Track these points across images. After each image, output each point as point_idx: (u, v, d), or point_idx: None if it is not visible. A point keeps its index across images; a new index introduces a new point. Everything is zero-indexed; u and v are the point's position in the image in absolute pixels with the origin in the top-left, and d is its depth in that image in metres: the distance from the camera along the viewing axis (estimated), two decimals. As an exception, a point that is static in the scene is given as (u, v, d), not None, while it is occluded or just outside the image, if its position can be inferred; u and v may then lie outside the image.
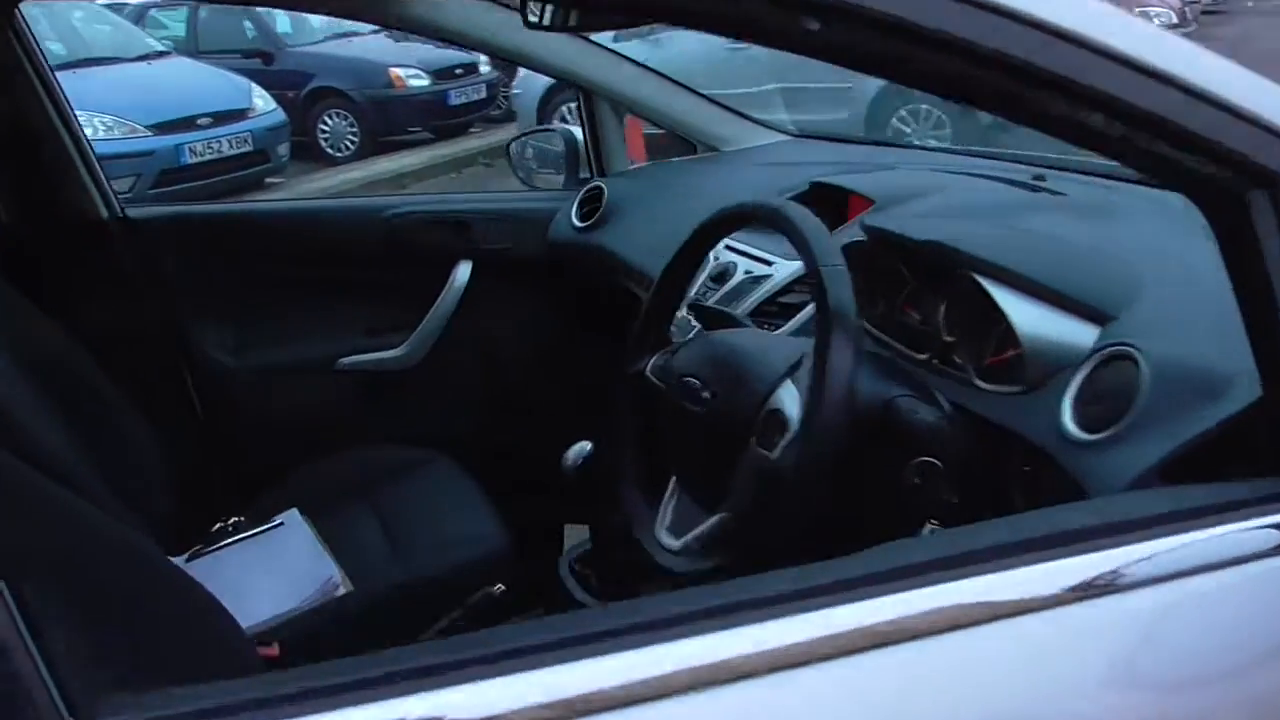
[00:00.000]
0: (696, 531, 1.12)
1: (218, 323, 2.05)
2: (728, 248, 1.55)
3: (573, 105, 7.96)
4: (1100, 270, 1.14)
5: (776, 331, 1.38)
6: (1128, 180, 1.59)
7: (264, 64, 8.30)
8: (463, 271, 2.09)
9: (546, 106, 7.84)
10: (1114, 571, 0.74)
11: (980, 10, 0.69)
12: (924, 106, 6.63)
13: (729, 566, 1.06)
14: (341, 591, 1.61)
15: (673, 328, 1.30)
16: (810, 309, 1.39)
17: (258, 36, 8.50)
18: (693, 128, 2.12)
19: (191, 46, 8.25)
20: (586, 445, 1.46)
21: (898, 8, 0.68)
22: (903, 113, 6.74)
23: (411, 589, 1.56)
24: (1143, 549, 0.76)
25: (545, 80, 7.68)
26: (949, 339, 1.23)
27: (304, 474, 1.88)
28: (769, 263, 1.46)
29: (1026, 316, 1.08)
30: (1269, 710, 0.81)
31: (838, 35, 0.70)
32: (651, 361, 1.25)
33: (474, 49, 2.86)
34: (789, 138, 2.18)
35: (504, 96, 9.00)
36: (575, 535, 2.34)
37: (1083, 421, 1.00)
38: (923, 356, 1.24)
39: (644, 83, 2.06)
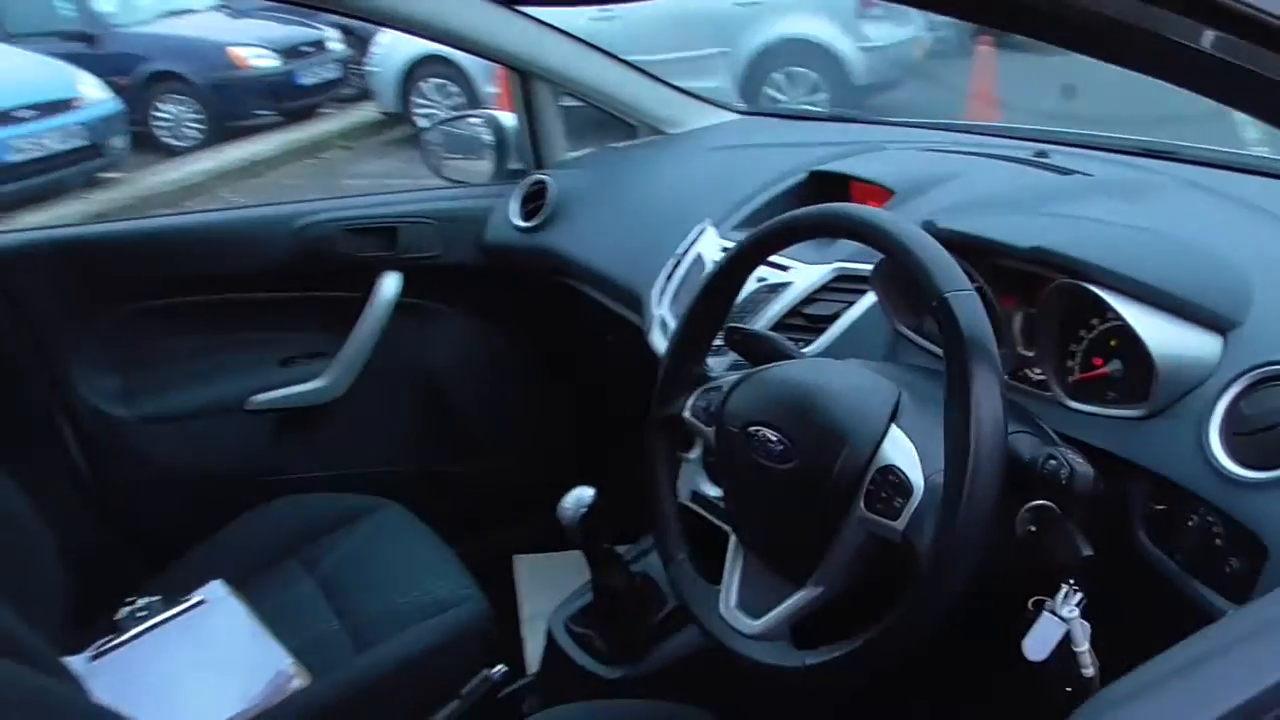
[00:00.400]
0: (780, 610, 0.92)
1: (97, 367, 1.73)
2: (724, 250, 1.34)
3: (438, 81, 7.61)
4: (1207, 266, 0.99)
5: (806, 349, 1.19)
6: (1126, 153, 1.47)
7: (87, 47, 7.55)
8: (388, 285, 1.83)
9: (408, 83, 7.43)
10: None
11: None
12: (800, 70, 6.55)
13: (826, 665, 0.88)
14: (296, 684, 1.35)
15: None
16: (852, 314, 1.21)
17: (77, 17, 7.72)
18: (635, 108, 1.90)
19: (-3, 30, 7.43)
20: (586, 493, 1.24)
21: None
22: (777, 77, 6.64)
23: (386, 678, 1.31)
24: None
25: (405, 55, 7.29)
26: (1026, 353, 1.06)
27: (222, 536, 1.60)
28: (785, 268, 1.27)
29: (1150, 327, 0.93)
30: None
31: None
32: (691, 402, 1.04)
33: (386, 26, 2.55)
34: (738, 116, 1.99)
35: (357, 75, 8.49)
36: (526, 565, 2.12)
37: (1236, 455, 0.86)
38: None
39: (580, 58, 1.83)
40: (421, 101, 7.45)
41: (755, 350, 1.08)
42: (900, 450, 0.86)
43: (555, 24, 1.80)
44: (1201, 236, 1.07)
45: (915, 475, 0.84)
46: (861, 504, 0.86)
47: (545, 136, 1.89)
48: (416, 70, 7.31)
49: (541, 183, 1.82)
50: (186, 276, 1.77)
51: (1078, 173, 1.34)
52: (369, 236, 1.82)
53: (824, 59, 6.49)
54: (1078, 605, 0.88)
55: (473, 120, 1.98)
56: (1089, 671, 0.89)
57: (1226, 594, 0.84)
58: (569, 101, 1.91)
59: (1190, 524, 0.88)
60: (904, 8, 6.45)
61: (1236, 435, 0.87)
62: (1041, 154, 1.42)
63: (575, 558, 1.31)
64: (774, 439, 0.92)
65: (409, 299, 1.85)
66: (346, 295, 1.83)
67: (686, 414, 1.04)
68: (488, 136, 1.92)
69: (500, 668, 1.35)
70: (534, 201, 1.81)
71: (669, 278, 1.43)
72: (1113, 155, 1.45)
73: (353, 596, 1.47)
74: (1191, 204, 1.22)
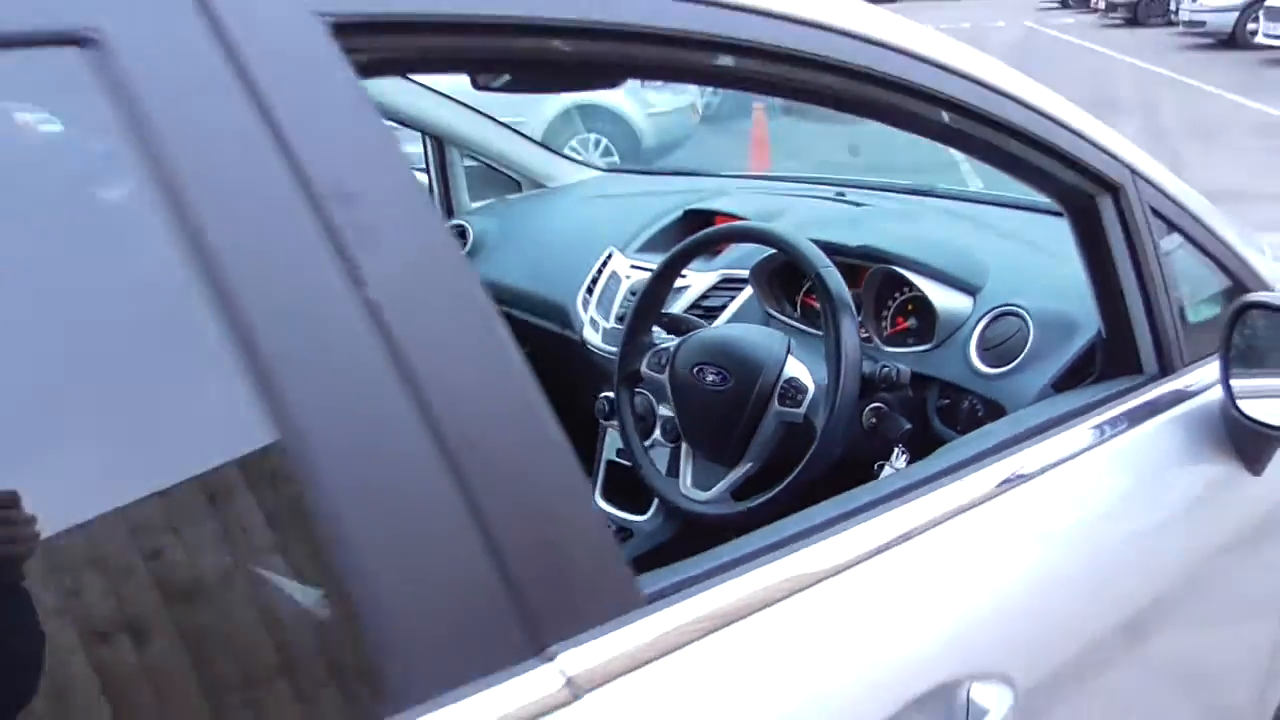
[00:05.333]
0: (724, 483, 1.43)
1: None
2: (634, 267, 1.86)
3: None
4: (960, 256, 1.59)
5: (714, 324, 1.71)
6: (897, 191, 2.11)
7: None
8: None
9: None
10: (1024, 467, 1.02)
11: (869, 44, 0.92)
12: (592, 136, 7.20)
13: (758, 508, 1.38)
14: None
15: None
16: (736, 304, 1.75)
17: None
18: (524, 166, 2.39)
19: None
20: None
21: (800, 43, 0.87)
22: (573, 143, 7.28)
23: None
24: (1044, 447, 1.05)
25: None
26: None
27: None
28: (683, 275, 1.79)
29: (935, 293, 1.51)
30: (1117, 536, 1.10)
31: (745, 67, 0.86)
32: (645, 360, 1.54)
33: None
34: (602, 173, 2.52)
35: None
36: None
37: (987, 360, 1.44)
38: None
39: (484, 128, 2.30)
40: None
41: (678, 327, 1.60)
42: (797, 368, 1.39)
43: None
44: (954, 239, 1.68)
45: (808, 381, 1.38)
46: (776, 403, 1.39)
47: (455, 190, 2.34)
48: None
49: (461, 226, 2.26)
50: None
51: (867, 205, 1.95)
52: None
53: (614, 123, 7.18)
54: (904, 461, 1.44)
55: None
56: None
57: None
58: (468, 161, 2.38)
59: (963, 406, 1.46)
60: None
61: (984, 350, 1.45)
62: (840, 193, 2.03)
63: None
64: (713, 372, 1.43)
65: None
66: None
67: (643, 368, 1.53)
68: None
69: None
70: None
71: (589, 290, 1.92)
72: (888, 194, 2.07)
73: None
74: (945, 221, 1.84)
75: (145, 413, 0.60)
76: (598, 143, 7.19)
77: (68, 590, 0.57)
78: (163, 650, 0.59)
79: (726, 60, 0.85)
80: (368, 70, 0.67)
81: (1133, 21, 17.49)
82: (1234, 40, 13.25)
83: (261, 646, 0.62)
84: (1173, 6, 15.58)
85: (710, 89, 7.78)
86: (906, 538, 0.88)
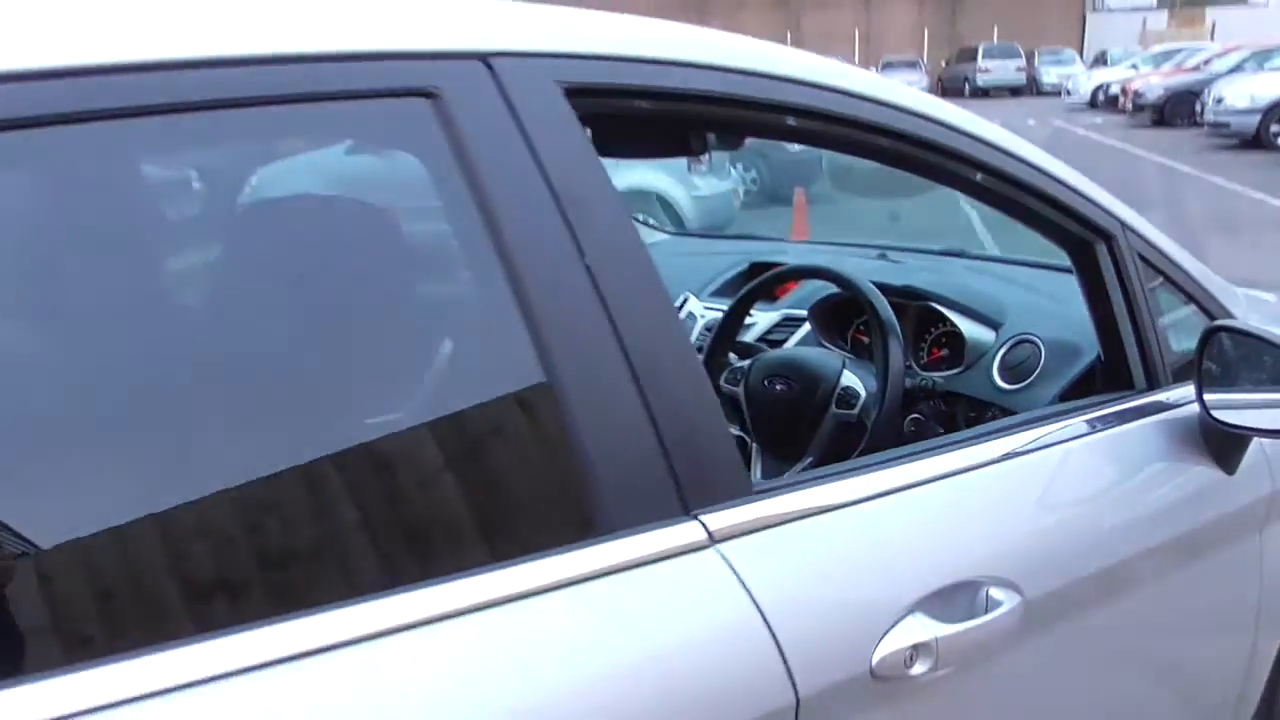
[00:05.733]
0: (789, 474, 1.73)
1: None
2: (707, 308, 2.20)
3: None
4: (985, 298, 1.92)
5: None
6: (932, 252, 2.45)
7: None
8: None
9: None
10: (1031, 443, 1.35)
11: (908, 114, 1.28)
12: (640, 215, 7.63)
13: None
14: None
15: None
16: (795, 338, 2.08)
17: None
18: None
19: None
20: None
21: (851, 109, 1.22)
22: (621, 221, 7.71)
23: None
24: (1042, 429, 1.37)
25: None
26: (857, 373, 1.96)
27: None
28: (750, 314, 2.13)
29: (964, 325, 1.84)
30: (1104, 499, 1.41)
31: (808, 127, 1.23)
32: (723, 378, 1.87)
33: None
34: (670, 235, 2.88)
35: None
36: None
37: (1007, 379, 1.76)
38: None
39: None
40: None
41: (749, 353, 1.93)
42: (851, 379, 1.72)
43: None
44: (981, 287, 2.01)
45: (860, 390, 1.70)
46: (834, 406, 1.70)
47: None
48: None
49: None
50: None
51: (905, 263, 2.29)
52: None
53: (663, 207, 7.63)
54: (939, 460, 1.74)
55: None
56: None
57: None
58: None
59: (987, 416, 1.77)
60: (727, 164, 7.66)
61: (1003, 371, 1.77)
62: (883, 255, 2.38)
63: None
64: (781, 383, 1.75)
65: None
66: None
67: (721, 383, 1.86)
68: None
69: None
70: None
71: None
72: (923, 254, 2.41)
73: None
74: (973, 274, 2.18)
75: (482, 353, 0.97)
76: (645, 223, 7.62)
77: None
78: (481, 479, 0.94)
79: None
80: (585, 121, 1.03)
81: (1160, 122, 18.01)
82: (1258, 141, 13.68)
83: (532, 484, 0.97)
84: (1198, 108, 16.07)
85: (750, 175, 8.29)
86: (943, 477, 1.20)
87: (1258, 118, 13.81)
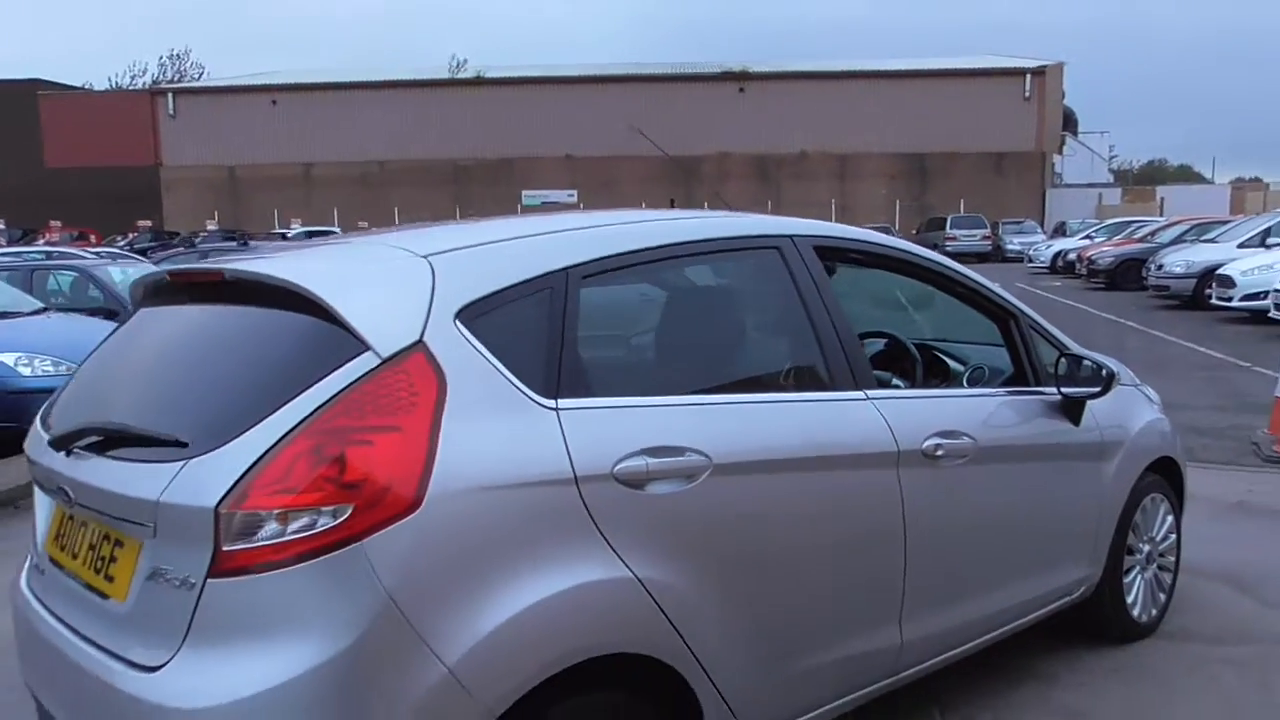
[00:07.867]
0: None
1: None
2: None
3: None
4: (957, 349, 3.55)
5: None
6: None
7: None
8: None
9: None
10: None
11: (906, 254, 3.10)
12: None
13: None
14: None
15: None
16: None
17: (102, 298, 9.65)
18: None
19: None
20: None
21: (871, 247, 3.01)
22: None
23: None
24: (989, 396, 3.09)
25: None
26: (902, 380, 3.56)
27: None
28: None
29: (949, 360, 3.47)
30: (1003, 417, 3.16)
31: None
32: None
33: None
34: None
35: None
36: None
37: (969, 385, 3.37)
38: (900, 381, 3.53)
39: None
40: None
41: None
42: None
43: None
44: (952, 348, 3.65)
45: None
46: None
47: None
48: None
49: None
50: None
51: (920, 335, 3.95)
52: None
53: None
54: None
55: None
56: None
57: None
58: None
59: (959, 411, 3.37)
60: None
61: (969, 382, 3.39)
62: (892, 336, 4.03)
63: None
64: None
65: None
66: None
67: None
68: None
69: None
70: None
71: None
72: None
73: None
74: (950, 344, 3.83)
75: None
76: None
77: None
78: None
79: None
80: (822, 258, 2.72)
81: (1112, 285, 20.13)
82: (1194, 301, 15.66)
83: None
84: (1144, 274, 18.20)
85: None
86: (918, 397, 2.85)
87: (1193, 282, 15.84)
